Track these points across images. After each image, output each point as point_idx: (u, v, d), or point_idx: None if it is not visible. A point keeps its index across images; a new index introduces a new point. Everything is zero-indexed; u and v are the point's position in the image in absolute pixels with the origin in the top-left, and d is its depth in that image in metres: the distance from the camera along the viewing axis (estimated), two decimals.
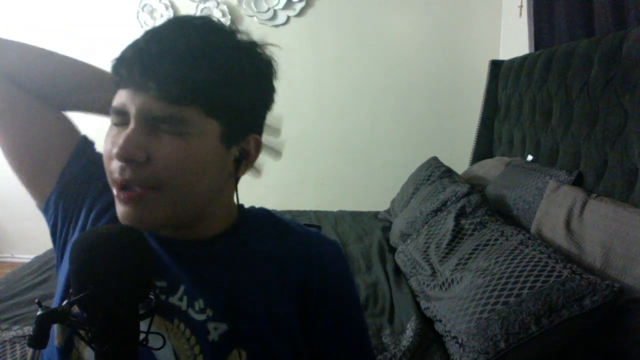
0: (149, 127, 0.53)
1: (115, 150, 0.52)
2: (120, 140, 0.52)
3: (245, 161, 0.61)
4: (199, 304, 0.58)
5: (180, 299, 0.58)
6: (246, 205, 0.70)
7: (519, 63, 2.22)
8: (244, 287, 0.60)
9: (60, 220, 0.66)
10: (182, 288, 0.59)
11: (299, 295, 0.62)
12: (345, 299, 0.67)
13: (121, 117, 0.55)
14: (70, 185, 0.66)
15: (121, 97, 0.54)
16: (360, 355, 0.69)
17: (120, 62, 0.55)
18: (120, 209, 0.54)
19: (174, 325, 0.57)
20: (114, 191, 0.55)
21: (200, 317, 0.57)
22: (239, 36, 0.58)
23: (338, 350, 0.66)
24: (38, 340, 0.39)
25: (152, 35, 0.54)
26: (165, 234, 0.61)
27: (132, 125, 0.53)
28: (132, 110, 0.53)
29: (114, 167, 0.54)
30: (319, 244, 0.67)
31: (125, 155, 0.51)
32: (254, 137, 0.61)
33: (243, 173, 0.63)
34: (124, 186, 0.53)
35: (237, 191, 0.64)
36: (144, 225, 0.54)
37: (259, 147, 0.62)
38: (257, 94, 0.60)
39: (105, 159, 0.55)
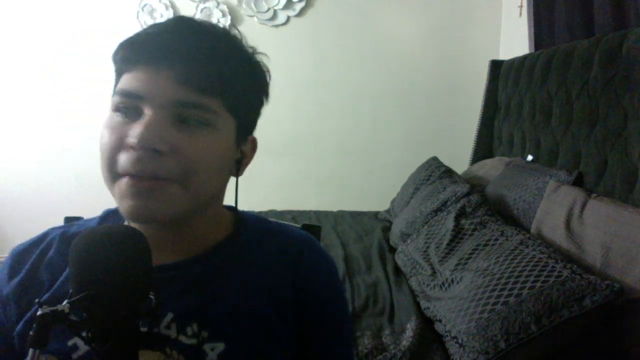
0: (171, 115, 0.49)
1: (133, 140, 0.47)
2: (140, 129, 0.47)
3: (243, 161, 0.61)
4: (192, 328, 0.55)
5: (168, 327, 0.54)
6: (245, 207, 0.69)
7: (519, 63, 2.22)
8: (240, 301, 0.57)
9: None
10: (169, 316, 0.55)
11: (293, 301, 0.60)
12: (330, 303, 0.64)
13: (131, 102, 0.50)
14: None
15: (133, 79, 0.49)
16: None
17: (133, 43, 0.51)
18: (128, 202, 0.49)
19: (166, 355, 0.53)
20: (119, 185, 0.50)
21: (194, 341, 0.54)
22: (244, 41, 0.59)
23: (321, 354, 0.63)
24: (38, 340, 0.39)
25: (168, 21, 0.52)
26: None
27: (151, 112, 0.48)
28: (151, 93, 0.49)
29: (123, 158, 0.49)
30: (309, 247, 0.65)
31: (148, 145, 0.47)
32: (252, 138, 0.62)
33: (241, 173, 0.62)
34: (138, 177, 0.49)
35: (237, 193, 0.64)
36: (156, 218, 0.50)
37: (255, 148, 0.63)
38: (262, 96, 0.61)
39: (106, 151, 0.50)
